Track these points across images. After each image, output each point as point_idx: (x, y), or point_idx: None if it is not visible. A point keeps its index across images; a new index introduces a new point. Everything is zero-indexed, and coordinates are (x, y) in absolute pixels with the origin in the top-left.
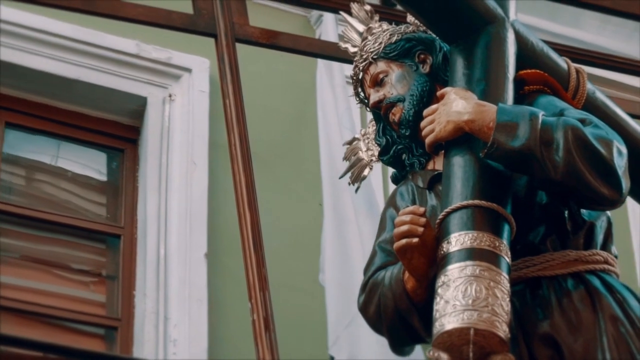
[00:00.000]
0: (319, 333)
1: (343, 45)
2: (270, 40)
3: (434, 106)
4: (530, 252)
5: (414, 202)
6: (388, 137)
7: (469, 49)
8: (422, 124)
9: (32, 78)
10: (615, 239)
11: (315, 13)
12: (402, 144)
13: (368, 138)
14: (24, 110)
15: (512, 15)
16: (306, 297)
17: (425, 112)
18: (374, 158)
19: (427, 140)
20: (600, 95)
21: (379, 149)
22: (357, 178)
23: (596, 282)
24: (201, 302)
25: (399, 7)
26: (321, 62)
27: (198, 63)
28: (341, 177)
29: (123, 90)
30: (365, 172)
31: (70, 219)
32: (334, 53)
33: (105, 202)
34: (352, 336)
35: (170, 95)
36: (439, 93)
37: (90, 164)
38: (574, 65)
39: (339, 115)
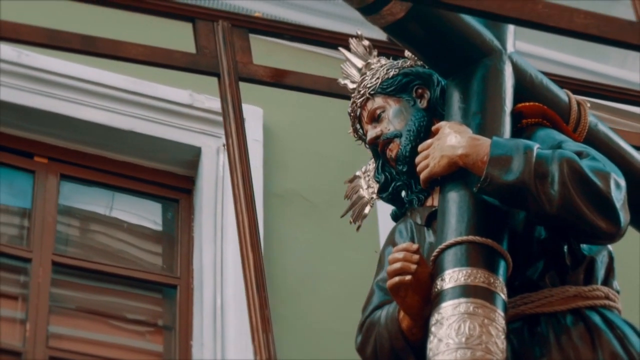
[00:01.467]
0: None
1: (342, 81)
2: (275, 79)
3: (428, 141)
4: (529, 288)
5: (412, 240)
6: (387, 174)
7: (465, 83)
8: (417, 159)
9: (86, 130)
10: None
11: None
12: (400, 181)
13: (369, 175)
14: (79, 162)
15: (510, 47)
16: None
17: (420, 147)
18: (374, 196)
19: (422, 176)
20: (602, 128)
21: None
22: (358, 216)
23: (596, 319)
24: None
25: None
26: None
27: (251, 112)
28: (342, 216)
29: (177, 140)
30: (366, 210)
31: (126, 269)
32: (339, 91)
33: (161, 252)
34: None
35: (224, 145)
36: (433, 128)
37: (145, 214)
38: (575, 97)
39: None
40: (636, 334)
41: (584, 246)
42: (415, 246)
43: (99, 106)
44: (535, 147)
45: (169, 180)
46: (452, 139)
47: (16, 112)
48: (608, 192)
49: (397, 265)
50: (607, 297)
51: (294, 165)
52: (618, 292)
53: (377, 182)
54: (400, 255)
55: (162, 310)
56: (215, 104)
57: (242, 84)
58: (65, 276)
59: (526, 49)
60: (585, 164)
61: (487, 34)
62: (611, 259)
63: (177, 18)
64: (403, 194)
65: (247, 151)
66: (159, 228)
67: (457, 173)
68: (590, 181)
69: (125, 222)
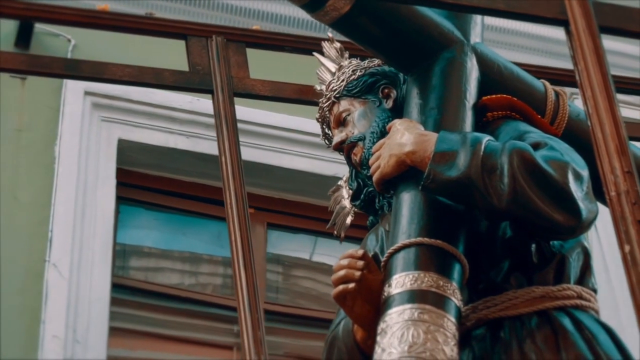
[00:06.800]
0: None
1: (319, 87)
2: (273, 92)
3: (380, 141)
4: (493, 291)
5: (382, 247)
6: (359, 181)
7: (423, 77)
8: (370, 161)
9: (289, 178)
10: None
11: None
12: (372, 187)
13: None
14: (284, 210)
15: (475, 37)
16: None
17: (373, 148)
18: None
19: (374, 179)
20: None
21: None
22: (341, 227)
23: (564, 320)
24: None
25: None
26: None
27: None
28: (328, 227)
29: None
30: (348, 220)
31: (334, 314)
32: None
33: None
34: None
35: None
36: (387, 126)
37: None
38: (554, 87)
39: None
40: (608, 334)
41: (554, 243)
42: (360, 252)
43: (301, 154)
44: (485, 139)
45: None
46: (400, 137)
47: None
48: (564, 183)
49: (341, 272)
50: (580, 297)
51: None
52: (595, 290)
53: (351, 189)
54: (345, 262)
55: None
56: None
57: None
58: (277, 323)
59: None
60: (540, 154)
61: (447, 25)
62: (587, 255)
63: (169, 36)
64: (376, 200)
65: (242, 168)
66: None
67: (408, 172)
68: (544, 172)
69: (330, 266)
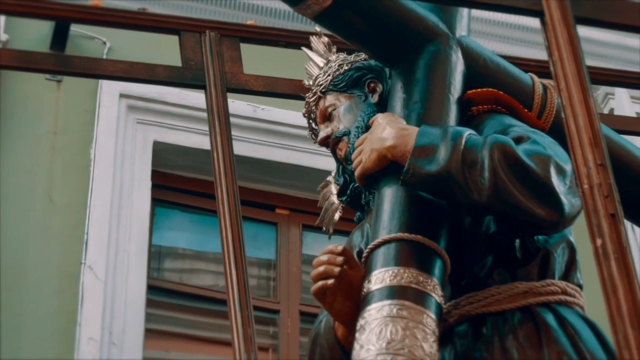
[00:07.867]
0: None
1: (307, 82)
2: (267, 88)
3: (363, 136)
4: (476, 286)
5: (367, 243)
6: (346, 176)
7: (407, 71)
8: (352, 156)
9: (324, 180)
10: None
11: (601, 91)
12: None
13: None
14: (319, 212)
15: (461, 31)
16: None
17: (356, 142)
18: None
19: (356, 174)
20: None
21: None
22: (329, 223)
23: (548, 316)
24: None
25: None
26: None
27: None
28: (317, 224)
29: None
30: (336, 216)
31: None
32: None
33: None
34: None
35: None
36: (370, 121)
37: None
38: (542, 80)
39: None
40: (592, 331)
41: (538, 239)
42: (339, 248)
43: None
44: (466, 133)
45: None
46: (382, 131)
47: (256, 166)
48: (546, 177)
49: (321, 268)
50: (565, 293)
51: None
52: (580, 286)
53: (338, 185)
54: (325, 258)
55: None
56: None
57: None
58: (312, 325)
59: None
60: (522, 148)
61: (431, 18)
62: (572, 250)
63: (162, 31)
64: (363, 196)
65: (234, 165)
66: None
67: (390, 167)
68: (526, 166)
69: None
